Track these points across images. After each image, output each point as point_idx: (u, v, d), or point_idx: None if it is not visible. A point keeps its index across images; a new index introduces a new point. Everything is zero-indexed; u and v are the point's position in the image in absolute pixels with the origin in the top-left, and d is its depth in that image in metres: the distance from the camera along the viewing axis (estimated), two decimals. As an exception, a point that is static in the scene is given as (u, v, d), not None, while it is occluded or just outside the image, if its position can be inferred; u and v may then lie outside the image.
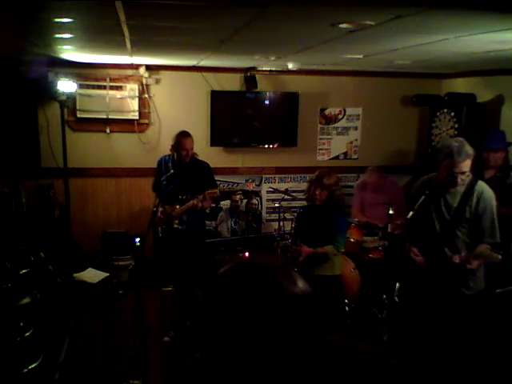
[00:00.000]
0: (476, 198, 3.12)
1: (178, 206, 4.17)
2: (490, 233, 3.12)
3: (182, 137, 4.19)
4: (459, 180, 3.09)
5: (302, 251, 3.70)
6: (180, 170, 4.19)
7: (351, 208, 5.55)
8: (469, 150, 3.04)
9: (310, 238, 3.72)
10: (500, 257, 2.97)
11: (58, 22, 2.87)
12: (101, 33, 3.34)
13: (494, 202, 3.16)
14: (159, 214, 4.08)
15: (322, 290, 3.66)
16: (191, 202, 4.09)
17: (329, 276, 3.70)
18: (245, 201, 6.24)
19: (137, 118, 5.65)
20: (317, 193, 3.63)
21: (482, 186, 3.18)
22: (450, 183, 3.13)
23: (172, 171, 4.20)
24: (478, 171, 4.26)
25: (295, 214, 4.28)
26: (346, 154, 6.39)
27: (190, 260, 4.32)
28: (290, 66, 5.42)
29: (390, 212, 4.35)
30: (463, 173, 3.06)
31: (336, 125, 6.29)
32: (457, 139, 3.16)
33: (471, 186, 3.15)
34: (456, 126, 5.47)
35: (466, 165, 3.04)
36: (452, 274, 3.20)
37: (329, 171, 3.75)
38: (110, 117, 5.55)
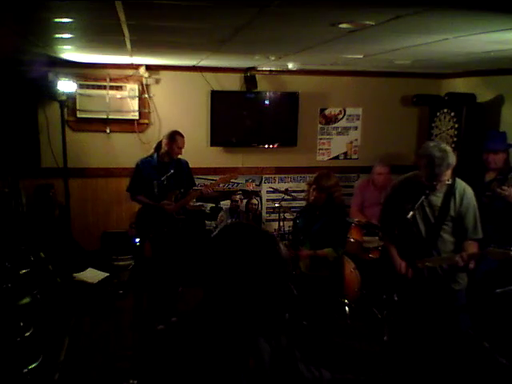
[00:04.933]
0: (459, 196, 3.16)
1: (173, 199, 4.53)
2: (473, 229, 3.17)
3: (179, 135, 4.51)
4: (438, 187, 3.14)
5: (301, 255, 3.69)
6: (173, 168, 4.51)
7: (350, 207, 5.56)
8: (450, 160, 3.03)
9: (310, 239, 3.70)
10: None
11: (58, 22, 2.87)
12: (101, 33, 3.34)
13: (474, 199, 3.21)
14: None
15: (322, 290, 3.68)
16: (198, 191, 4.66)
17: (328, 276, 3.70)
18: (245, 201, 6.24)
19: (137, 118, 5.66)
20: (315, 195, 3.59)
21: (461, 183, 3.22)
22: (429, 189, 3.15)
23: (172, 171, 4.46)
24: (479, 174, 4.26)
25: (295, 215, 4.28)
26: (346, 153, 6.39)
27: (187, 255, 4.52)
28: (290, 66, 5.42)
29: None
30: (442, 181, 3.10)
31: (336, 125, 6.29)
32: (440, 148, 3.08)
33: (452, 185, 3.18)
34: (456, 126, 5.47)
35: (446, 174, 3.07)
36: (441, 273, 3.24)
37: (328, 173, 3.70)
38: (110, 117, 5.56)
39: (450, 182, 3.17)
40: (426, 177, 3.13)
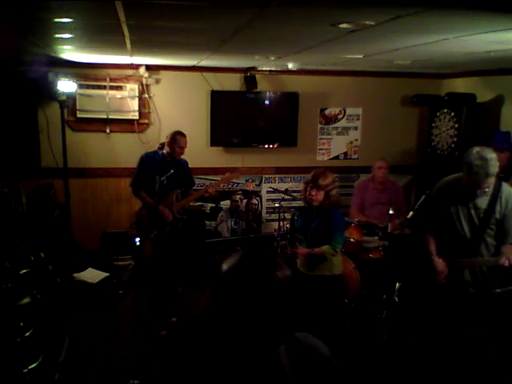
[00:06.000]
0: (505, 200, 3.15)
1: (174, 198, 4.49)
2: None
3: (181, 135, 4.45)
4: (478, 192, 3.13)
5: (298, 253, 3.68)
6: (173, 168, 4.46)
7: (350, 207, 5.55)
8: (491, 169, 3.00)
9: (307, 238, 3.70)
10: None
11: (58, 22, 2.87)
12: (101, 33, 3.34)
13: None
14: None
15: (320, 290, 3.67)
16: (201, 192, 4.61)
17: (327, 276, 3.69)
18: (245, 201, 6.24)
19: (137, 118, 5.66)
20: (313, 194, 3.57)
21: (507, 187, 3.21)
22: (470, 191, 3.16)
23: (172, 171, 4.42)
24: None
25: (293, 212, 4.27)
26: (345, 153, 6.39)
27: (187, 255, 4.50)
28: (290, 66, 5.42)
29: (390, 212, 4.35)
30: (482, 188, 3.09)
31: (336, 125, 6.29)
32: (481, 155, 3.03)
33: (498, 188, 3.17)
34: (456, 125, 5.47)
35: (486, 182, 3.06)
36: (481, 276, 3.23)
37: (324, 171, 3.68)
38: (110, 117, 5.56)
39: (494, 185, 3.16)
40: (466, 183, 3.14)
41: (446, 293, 3.35)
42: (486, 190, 3.12)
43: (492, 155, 3.04)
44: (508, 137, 4.61)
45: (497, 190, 3.16)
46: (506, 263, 3.08)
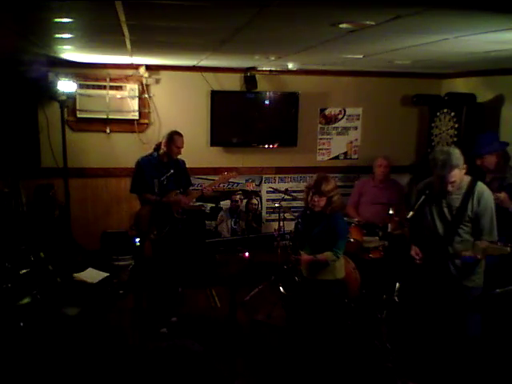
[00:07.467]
0: (477, 198, 3.22)
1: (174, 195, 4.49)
2: (488, 231, 3.22)
3: (177, 135, 4.45)
4: (449, 187, 3.20)
5: (302, 260, 3.68)
6: (172, 168, 4.46)
7: (347, 205, 5.51)
8: (454, 161, 3.11)
9: (310, 244, 3.69)
10: (508, 249, 3.00)
11: (57, 22, 2.87)
12: (101, 33, 3.34)
13: (493, 202, 3.28)
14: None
15: (324, 294, 3.67)
16: (199, 191, 4.59)
17: (331, 280, 3.69)
18: (245, 201, 6.24)
19: (137, 117, 5.66)
20: (315, 200, 3.55)
21: (481, 186, 3.28)
22: (442, 190, 3.25)
23: (172, 171, 4.41)
24: (480, 175, 4.22)
25: (295, 215, 4.26)
26: (345, 153, 6.40)
27: (187, 255, 4.51)
28: (290, 66, 5.42)
29: (390, 212, 4.34)
30: (452, 182, 3.17)
31: (336, 125, 6.29)
32: (443, 150, 3.20)
33: (471, 187, 3.24)
34: (456, 126, 5.47)
35: (453, 175, 3.14)
36: (454, 269, 3.31)
37: (326, 176, 3.66)
38: (110, 117, 5.56)
39: (468, 184, 3.24)
40: (435, 179, 3.25)
41: (428, 284, 3.46)
42: (459, 183, 3.19)
43: (455, 150, 3.19)
44: (489, 141, 4.27)
45: (470, 189, 3.24)
46: (467, 253, 3.16)
